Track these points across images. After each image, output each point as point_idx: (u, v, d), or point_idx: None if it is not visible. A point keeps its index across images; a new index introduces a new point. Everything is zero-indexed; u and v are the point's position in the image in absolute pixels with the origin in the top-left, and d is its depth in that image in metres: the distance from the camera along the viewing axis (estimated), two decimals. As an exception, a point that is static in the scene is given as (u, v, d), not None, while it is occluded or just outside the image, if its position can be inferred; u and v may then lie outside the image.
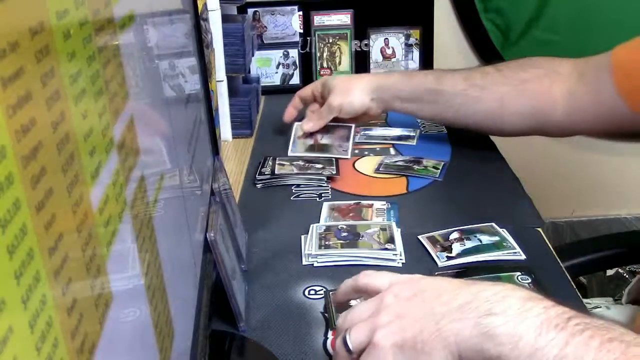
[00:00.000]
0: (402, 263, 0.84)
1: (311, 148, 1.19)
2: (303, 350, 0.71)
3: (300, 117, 1.24)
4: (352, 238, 0.88)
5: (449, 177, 1.08)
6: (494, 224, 0.90)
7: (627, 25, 1.58)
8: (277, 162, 1.12)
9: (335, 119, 1.18)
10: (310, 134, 1.20)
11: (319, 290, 0.80)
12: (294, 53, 1.55)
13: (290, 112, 1.22)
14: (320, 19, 1.54)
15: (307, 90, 1.21)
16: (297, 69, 1.56)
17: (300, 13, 1.53)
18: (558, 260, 0.87)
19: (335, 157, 1.15)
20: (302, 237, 0.91)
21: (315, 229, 0.91)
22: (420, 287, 0.57)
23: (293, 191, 1.05)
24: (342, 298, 0.68)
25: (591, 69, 0.98)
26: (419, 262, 0.84)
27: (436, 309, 0.53)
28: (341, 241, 0.88)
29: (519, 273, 0.80)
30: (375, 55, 1.56)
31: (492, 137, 1.26)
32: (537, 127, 1.05)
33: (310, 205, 1.00)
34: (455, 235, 0.88)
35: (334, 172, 1.09)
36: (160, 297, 0.45)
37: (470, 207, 0.97)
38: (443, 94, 1.08)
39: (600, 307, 0.99)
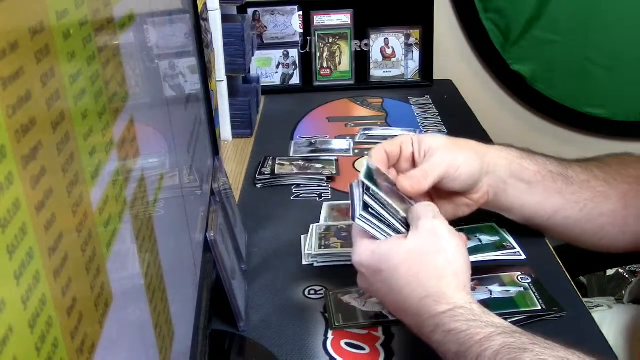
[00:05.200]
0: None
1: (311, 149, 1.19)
2: (303, 350, 0.71)
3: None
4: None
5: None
6: (494, 224, 0.90)
7: (627, 25, 1.58)
8: (277, 162, 1.12)
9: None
10: None
11: (319, 290, 0.80)
12: (294, 53, 1.55)
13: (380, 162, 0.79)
14: (320, 19, 1.54)
15: (394, 146, 0.80)
16: (297, 69, 1.56)
17: (300, 13, 1.53)
18: (558, 260, 0.87)
19: (335, 157, 1.15)
20: (302, 237, 0.91)
21: (315, 229, 0.91)
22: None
23: (293, 191, 1.05)
24: None
25: None
26: (419, 262, 0.84)
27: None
28: (341, 241, 0.88)
29: (519, 273, 0.80)
30: (375, 55, 1.56)
31: (492, 137, 1.26)
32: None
33: (310, 205, 1.00)
34: None
35: (334, 172, 1.09)
36: (160, 297, 0.45)
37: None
38: (571, 181, 0.82)
39: (602, 306, 0.99)
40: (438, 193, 0.80)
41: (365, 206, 0.66)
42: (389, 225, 0.66)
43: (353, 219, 0.66)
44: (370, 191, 0.67)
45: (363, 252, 0.66)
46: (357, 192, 0.68)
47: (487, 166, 0.80)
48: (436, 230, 0.65)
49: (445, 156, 0.77)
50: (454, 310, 0.59)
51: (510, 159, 0.81)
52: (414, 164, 0.80)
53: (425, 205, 0.68)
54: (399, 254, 0.63)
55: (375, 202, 0.66)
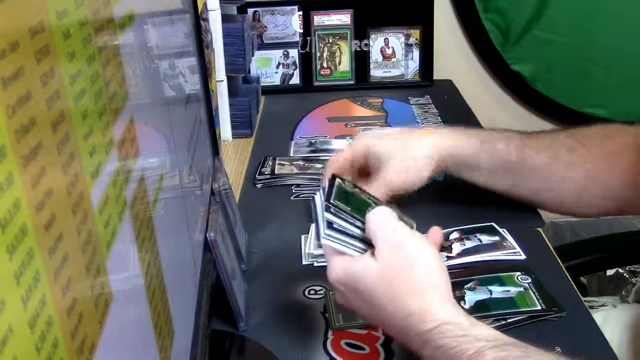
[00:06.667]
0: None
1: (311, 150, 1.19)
2: (303, 350, 0.71)
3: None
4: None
5: (449, 177, 1.07)
6: (494, 224, 0.90)
7: (627, 25, 1.58)
8: (277, 162, 1.12)
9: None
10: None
11: (319, 290, 0.80)
12: (294, 53, 1.55)
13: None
14: (320, 19, 1.54)
15: (341, 161, 0.89)
16: (297, 69, 1.56)
17: (300, 13, 1.53)
18: (558, 260, 0.87)
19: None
20: (302, 237, 0.91)
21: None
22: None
23: (293, 191, 1.05)
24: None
25: None
26: (419, 262, 0.84)
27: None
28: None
29: (519, 273, 0.80)
30: (375, 55, 1.56)
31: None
32: (624, 207, 0.89)
33: (310, 206, 1.00)
34: (455, 235, 0.88)
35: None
36: (160, 297, 0.45)
37: (470, 207, 0.97)
38: (523, 169, 0.89)
39: (607, 305, 0.99)
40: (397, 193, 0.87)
41: (329, 223, 0.63)
42: (357, 238, 0.64)
43: (318, 239, 0.64)
44: (332, 209, 0.64)
45: (337, 270, 0.63)
46: (319, 210, 0.66)
47: (440, 161, 0.88)
48: (402, 243, 0.61)
49: (394, 176, 0.86)
50: (440, 327, 0.57)
51: (462, 151, 0.88)
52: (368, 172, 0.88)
53: (380, 218, 0.64)
54: (373, 273, 0.61)
55: (339, 218, 0.63)
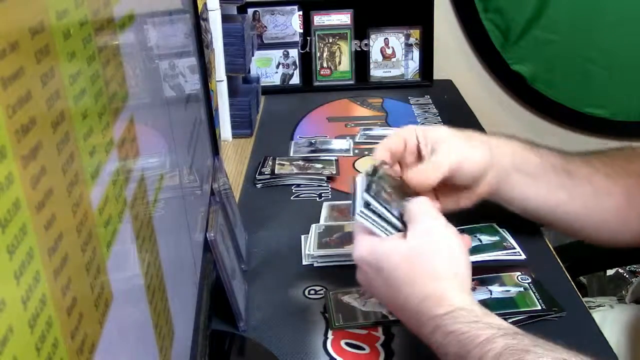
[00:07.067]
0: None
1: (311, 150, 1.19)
2: (303, 350, 0.71)
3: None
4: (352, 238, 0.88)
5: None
6: (494, 224, 0.90)
7: (627, 25, 1.58)
8: (277, 162, 1.12)
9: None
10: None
11: (319, 290, 0.80)
12: (294, 53, 1.55)
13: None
14: (320, 19, 1.54)
15: (397, 141, 0.78)
16: (297, 69, 1.56)
17: (300, 13, 1.53)
18: (558, 260, 0.87)
19: (335, 157, 1.15)
20: (302, 237, 0.91)
21: (315, 229, 0.91)
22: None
23: (293, 191, 1.05)
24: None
25: None
26: (419, 262, 0.84)
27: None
28: (341, 241, 0.88)
29: (519, 273, 0.80)
30: (375, 55, 1.56)
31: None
32: None
33: (310, 205, 1.00)
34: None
35: (334, 172, 1.09)
36: (160, 297, 0.45)
37: (471, 207, 0.97)
38: (573, 176, 0.80)
39: (604, 305, 0.99)
40: (440, 185, 0.77)
41: (366, 203, 0.66)
42: (389, 222, 0.66)
43: (353, 215, 0.66)
44: (372, 189, 0.67)
45: (364, 248, 0.65)
46: (360, 189, 0.68)
47: (494, 158, 0.78)
48: (435, 231, 0.64)
49: (453, 148, 0.75)
50: (454, 312, 0.58)
51: (515, 150, 0.80)
52: (419, 156, 0.78)
53: (424, 204, 0.67)
54: (399, 253, 0.63)
55: (376, 200, 0.66)
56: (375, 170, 0.70)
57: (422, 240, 0.63)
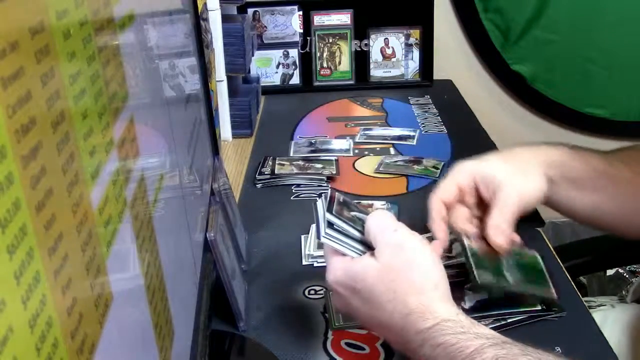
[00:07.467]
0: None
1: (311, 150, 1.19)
2: (303, 350, 0.71)
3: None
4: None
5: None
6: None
7: (627, 25, 1.58)
8: (277, 162, 1.12)
9: None
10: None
11: (319, 290, 0.80)
12: (294, 53, 1.55)
13: (440, 229, 0.76)
14: (320, 19, 1.54)
15: (451, 190, 0.78)
16: (297, 69, 1.56)
17: (300, 13, 1.53)
18: (558, 260, 0.87)
19: (335, 157, 1.15)
20: (302, 237, 0.91)
21: (315, 229, 0.90)
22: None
23: (293, 191, 1.05)
24: None
25: None
26: (419, 262, 0.84)
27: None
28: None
29: (519, 273, 0.80)
30: (375, 55, 1.56)
31: (492, 137, 1.26)
32: None
33: (310, 205, 0.99)
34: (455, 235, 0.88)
35: (334, 172, 1.09)
36: (160, 297, 0.45)
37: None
38: (615, 180, 0.82)
39: (605, 305, 0.99)
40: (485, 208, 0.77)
41: (330, 224, 0.64)
42: (357, 240, 0.64)
43: (319, 238, 0.64)
44: (333, 211, 0.65)
45: (336, 270, 0.63)
46: (321, 211, 0.66)
47: (549, 181, 0.79)
48: (402, 244, 0.62)
49: (515, 192, 0.76)
50: (440, 324, 0.57)
51: (563, 161, 0.81)
52: (478, 195, 0.78)
53: (380, 218, 0.64)
54: (374, 270, 0.61)
55: (339, 218, 0.64)
56: (332, 196, 0.68)
57: (392, 257, 0.61)
